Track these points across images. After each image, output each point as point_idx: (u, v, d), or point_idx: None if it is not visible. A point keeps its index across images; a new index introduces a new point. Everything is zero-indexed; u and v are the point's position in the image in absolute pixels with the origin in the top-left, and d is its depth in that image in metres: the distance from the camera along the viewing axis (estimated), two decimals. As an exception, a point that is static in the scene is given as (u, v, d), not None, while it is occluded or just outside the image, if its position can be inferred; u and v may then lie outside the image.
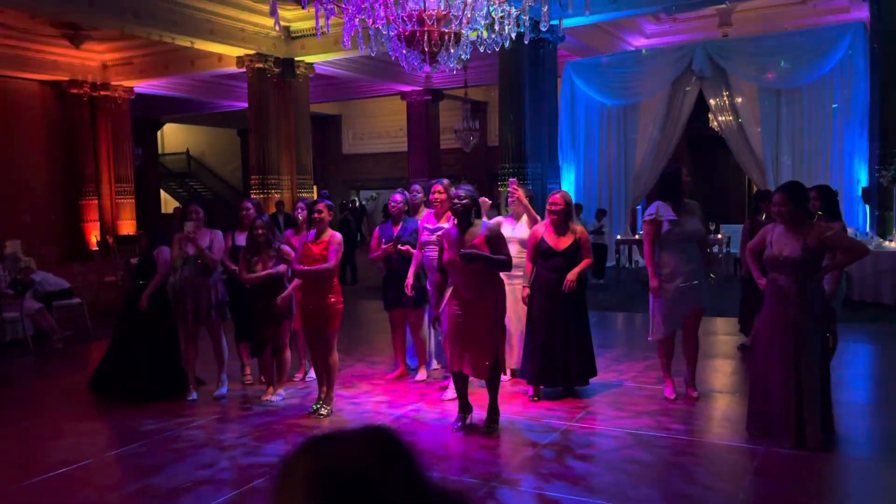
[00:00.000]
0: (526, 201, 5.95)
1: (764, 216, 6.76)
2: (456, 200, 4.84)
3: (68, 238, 16.39)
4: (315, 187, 16.69)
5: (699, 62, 12.71)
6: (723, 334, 8.21)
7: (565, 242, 5.45)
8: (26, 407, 6.11)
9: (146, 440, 4.99)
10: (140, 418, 5.45)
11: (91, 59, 16.17)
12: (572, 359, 5.53)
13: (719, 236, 12.70)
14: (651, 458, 4.42)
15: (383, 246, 6.11)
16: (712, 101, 13.29)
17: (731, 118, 13.23)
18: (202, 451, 4.76)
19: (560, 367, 5.52)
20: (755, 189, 14.77)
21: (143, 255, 6.30)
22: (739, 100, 12.96)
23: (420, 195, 6.47)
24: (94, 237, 16.34)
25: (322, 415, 5.34)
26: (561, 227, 5.48)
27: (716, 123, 13.79)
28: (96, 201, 16.78)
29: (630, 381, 6.08)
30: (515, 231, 5.97)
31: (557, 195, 5.58)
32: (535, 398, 5.59)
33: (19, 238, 13.51)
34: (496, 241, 4.77)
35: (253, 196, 14.09)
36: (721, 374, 6.54)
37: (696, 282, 5.34)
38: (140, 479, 4.33)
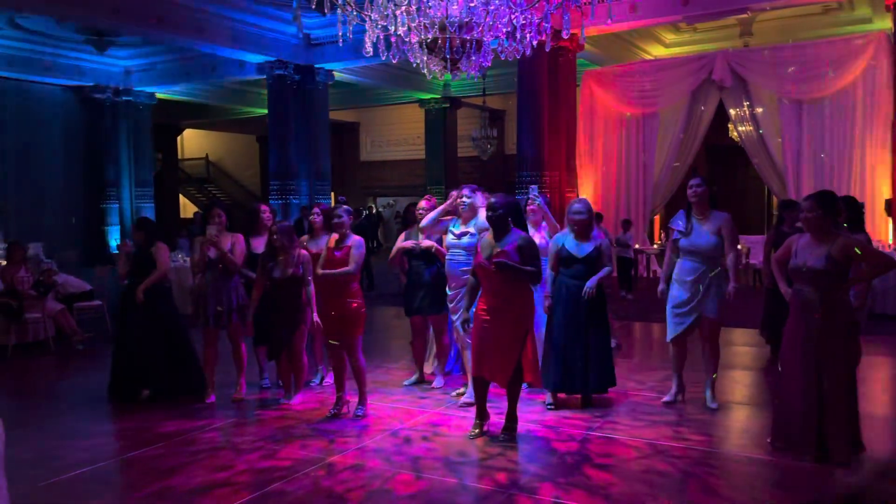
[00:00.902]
0: (545, 209, 5.95)
1: (787, 226, 6.72)
2: (490, 210, 4.85)
3: (89, 241, 16.59)
4: (333, 193, 16.79)
5: (719, 71, 12.65)
6: (741, 345, 8.14)
7: (586, 250, 5.46)
8: (47, 407, 6.17)
9: (164, 442, 5.02)
10: (158, 420, 5.48)
11: (114, 64, 16.40)
12: (591, 367, 5.51)
13: (739, 247, 12.57)
14: (670, 468, 4.38)
15: (403, 243, 6.10)
16: (732, 111, 13.22)
17: (751, 128, 13.16)
18: (220, 453, 4.78)
19: (579, 375, 5.50)
20: (775, 200, 14.68)
21: (137, 253, 6.17)
22: (760, 110, 12.88)
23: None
24: (114, 240, 16.52)
25: (359, 416, 5.39)
26: (583, 235, 5.49)
27: (735, 134, 13.71)
28: (117, 205, 16.99)
29: (648, 391, 6.03)
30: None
31: (580, 204, 5.59)
32: (553, 406, 5.56)
33: (42, 241, 13.74)
34: (529, 250, 4.77)
35: (271, 202, 14.19)
36: (741, 385, 6.48)
37: (701, 293, 5.37)
38: (158, 480, 4.35)
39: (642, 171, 14.10)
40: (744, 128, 13.23)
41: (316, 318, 5.54)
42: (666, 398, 5.70)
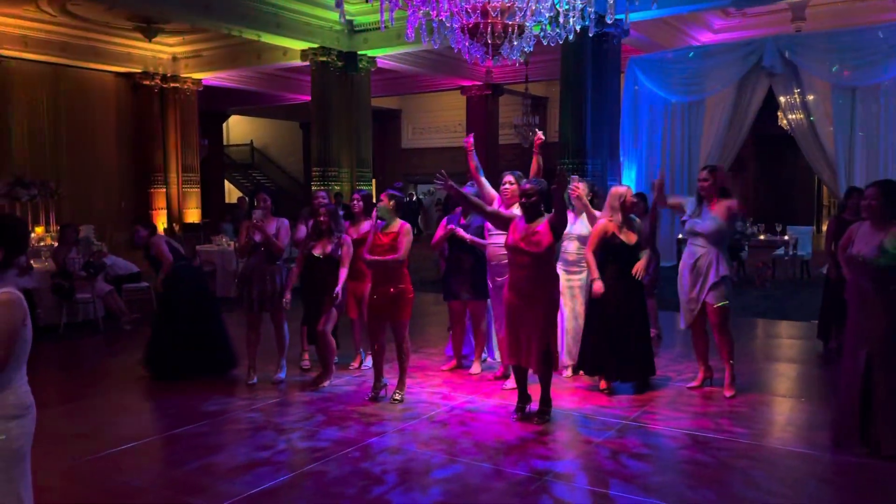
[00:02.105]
0: (586, 199, 5.90)
1: (849, 214, 6.60)
2: (524, 196, 4.91)
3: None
4: (374, 180, 16.87)
5: (770, 58, 12.29)
6: (787, 338, 7.97)
7: (634, 237, 5.51)
8: (96, 384, 6.37)
9: (208, 420, 5.14)
10: (202, 399, 5.62)
11: (162, 51, 16.70)
12: (637, 353, 5.58)
13: (786, 238, 12.31)
14: (709, 459, 4.32)
15: (445, 227, 6.11)
16: (782, 99, 12.86)
17: (801, 116, 12.77)
18: (261, 433, 4.88)
19: (632, 361, 5.56)
20: (825, 191, 14.29)
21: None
22: (811, 97, 12.49)
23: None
24: (161, 224, 16.90)
25: (396, 399, 5.45)
26: (630, 222, 5.54)
27: (785, 122, 13.34)
28: (164, 190, 17.35)
29: (690, 381, 5.94)
30: (574, 227, 5.95)
31: (626, 187, 5.69)
32: (608, 391, 5.60)
33: (92, 223, 14.12)
34: (560, 224, 4.84)
35: (313, 188, 14.34)
36: (785, 377, 6.35)
37: (703, 277, 5.40)
38: (202, 457, 4.46)
39: (686, 160, 13.83)
40: (794, 116, 12.85)
41: (338, 289, 5.60)
42: (692, 383, 5.75)
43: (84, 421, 5.22)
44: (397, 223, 5.44)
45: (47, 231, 12.80)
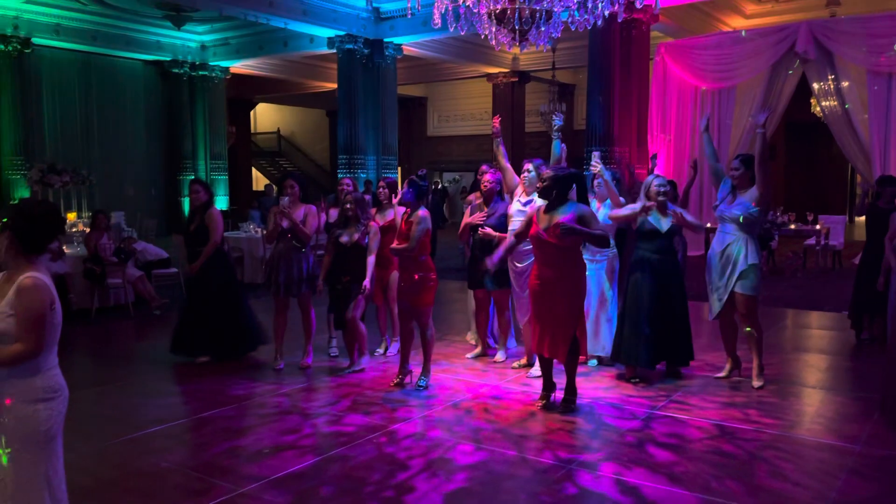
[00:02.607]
0: (612, 184, 5.84)
1: (884, 202, 6.47)
2: (540, 182, 4.91)
3: (167, 211, 17.21)
4: (399, 168, 16.88)
5: (803, 43, 12.04)
6: (817, 328, 7.84)
7: (669, 223, 5.46)
8: (126, 367, 6.48)
9: (235, 404, 5.20)
10: (229, 384, 5.68)
11: (191, 39, 16.84)
12: (678, 341, 5.55)
13: (817, 227, 12.09)
14: (736, 450, 4.28)
15: (470, 218, 6.10)
16: (815, 85, 12.60)
17: (835, 103, 12.51)
18: (287, 417, 4.93)
19: (666, 348, 5.53)
20: (858, 179, 13.99)
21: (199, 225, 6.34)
22: (846, 84, 12.22)
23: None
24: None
25: (421, 386, 5.47)
26: (664, 208, 5.48)
27: (818, 109, 13.07)
28: (193, 177, 17.54)
29: (718, 372, 5.88)
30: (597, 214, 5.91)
31: (663, 178, 5.61)
32: (636, 380, 5.57)
33: (123, 210, 14.34)
34: (588, 220, 4.74)
35: (339, 175, 14.39)
36: (815, 369, 6.25)
37: (733, 265, 5.34)
38: (229, 440, 4.52)
39: (717, 148, 13.61)
40: (827, 103, 12.59)
41: (367, 283, 5.63)
42: (719, 374, 5.70)
43: (114, 403, 5.31)
44: (418, 211, 5.45)
45: (79, 217, 13.02)
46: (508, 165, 6.11)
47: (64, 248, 8.74)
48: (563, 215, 4.74)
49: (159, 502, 3.65)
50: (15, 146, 14.09)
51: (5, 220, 2.63)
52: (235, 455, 4.28)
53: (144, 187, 17.00)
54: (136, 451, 4.35)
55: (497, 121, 6.14)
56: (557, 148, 5.98)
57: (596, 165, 5.73)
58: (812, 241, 12.13)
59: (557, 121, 6.02)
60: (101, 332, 8.02)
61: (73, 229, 11.29)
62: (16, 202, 13.48)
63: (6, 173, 14.08)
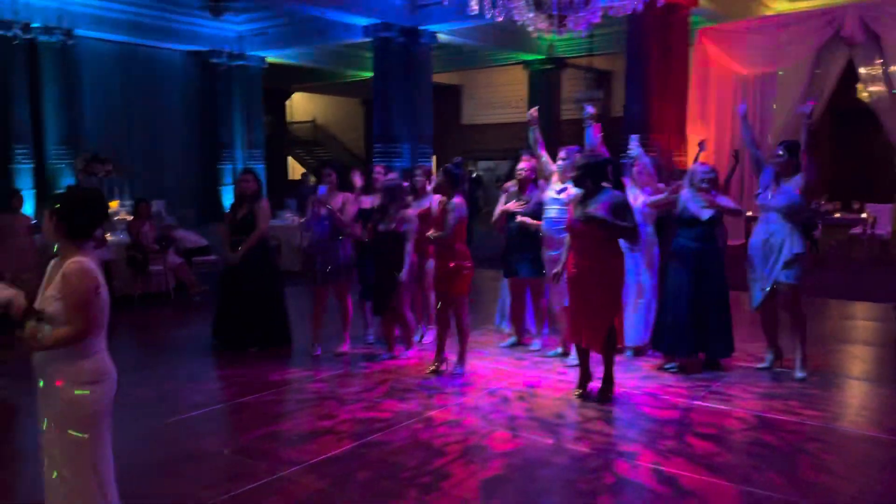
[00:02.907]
0: (650, 166, 5.78)
1: None
2: (573, 170, 4.90)
3: (206, 200, 17.45)
4: (434, 157, 16.86)
5: (850, 27, 11.68)
6: (862, 319, 7.65)
7: (710, 211, 5.34)
8: (167, 353, 6.61)
9: (274, 390, 5.28)
10: (268, 370, 5.76)
11: (229, 29, 17.01)
12: (718, 331, 5.46)
13: (863, 216, 11.77)
14: (778, 442, 4.20)
15: (506, 205, 6.07)
16: (862, 71, 12.21)
17: (883, 89, 12.11)
18: (324, 403, 4.99)
19: (704, 338, 5.45)
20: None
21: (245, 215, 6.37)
22: (894, 68, 11.83)
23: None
24: (227, 200, 17.31)
25: (457, 374, 5.50)
26: (707, 197, 5.35)
27: (865, 94, 12.69)
28: (231, 166, 17.75)
29: (758, 363, 5.78)
30: (636, 204, 5.83)
31: (708, 165, 5.52)
32: (675, 370, 5.51)
33: (164, 199, 14.59)
34: (621, 210, 4.66)
35: (374, 164, 14.43)
36: (860, 360, 6.11)
37: (776, 254, 5.23)
38: (267, 424, 4.58)
39: (757, 135, 13.31)
40: (875, 88, 12.20)
41: (404, 274, 5.64)
42: (760, 364, 5.62)
43: (156, 387, 5.42)
44: (453, 199, 5.43)
45: (121, 206, 13.28)
46: (545, 153, 6.06)
47: (107, 235, 8.93)
48: (596, 204, 4.68)
49: (204, 485, 3.71)
50: (60, 136, 14.40)
51: (57, 205, 2.68)
52: (274, 439, 4.34)
53: (184, 176, 17.24)
54: (178, 434, 4.44)
55: (534, 111, 6.11)
56: (590, 136, 5.90)
57: (634, 150, 5.65)
58: (858, 229, 11.82)
59: (588, 109, 5.95)
60: (143, 318, 8.19)
61: (116, 217, 11.53)
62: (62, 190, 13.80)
63: (51, 163, 14.42)
